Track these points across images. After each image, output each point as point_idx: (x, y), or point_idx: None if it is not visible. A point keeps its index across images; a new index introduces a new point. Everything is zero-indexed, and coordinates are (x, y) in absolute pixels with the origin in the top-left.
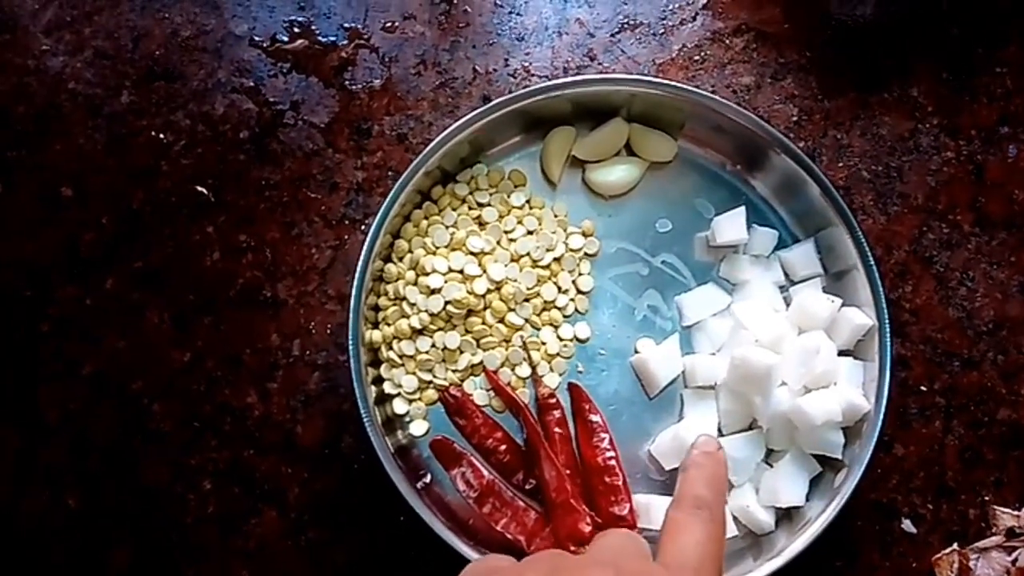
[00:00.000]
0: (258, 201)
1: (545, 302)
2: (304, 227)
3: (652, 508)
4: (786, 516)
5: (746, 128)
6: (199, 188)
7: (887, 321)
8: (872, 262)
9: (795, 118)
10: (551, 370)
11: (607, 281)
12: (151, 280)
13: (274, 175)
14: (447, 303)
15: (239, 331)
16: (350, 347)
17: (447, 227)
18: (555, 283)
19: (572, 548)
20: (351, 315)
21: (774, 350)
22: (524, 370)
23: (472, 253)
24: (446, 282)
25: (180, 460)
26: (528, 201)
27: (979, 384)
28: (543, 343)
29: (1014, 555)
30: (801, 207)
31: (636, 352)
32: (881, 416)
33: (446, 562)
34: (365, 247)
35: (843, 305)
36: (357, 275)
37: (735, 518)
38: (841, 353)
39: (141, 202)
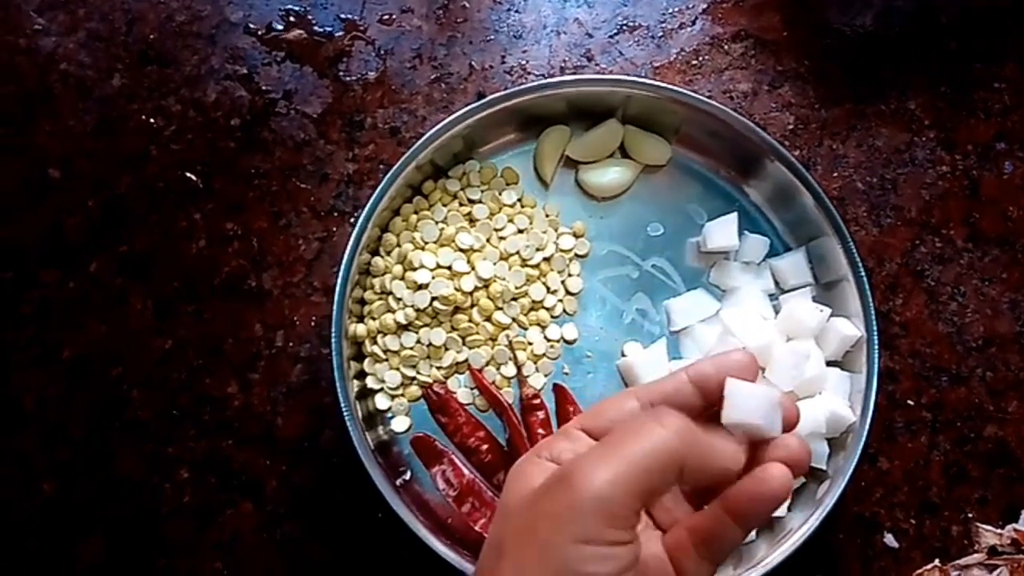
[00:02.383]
0: (247, 189)
1: (533, 302)
2: (292, 217)
3: None
4: (768, 526)
5: (741, 135)
6: (188, 174)
7: (876, 333)
8: (863, 274)
9: (791, 126)
10: (537, 370)
11: (596, 283)
12: (135, 266)
13: (264, 164)
14: (434, 299)
15: (222, 320)
16: (333, 340)
17: (437, 223)
18: (544, 283)
19: None
20: (335, 308)
21: (762, 357)
22: (509, 370)
23: (461, 250)
24: (433, 278)
25: (157, 449)
26: (520, 199)
27: (967, 400)
28: (529, 343)
29: (995, 573)
30: (794, 216)
31: (623, 355)
32: (866, 428)
33: (423, 560)
34: (352, 239)
35: (832, 315)
36: (343, 268)
37: None
38: (829, 364)
39: (128, 187)
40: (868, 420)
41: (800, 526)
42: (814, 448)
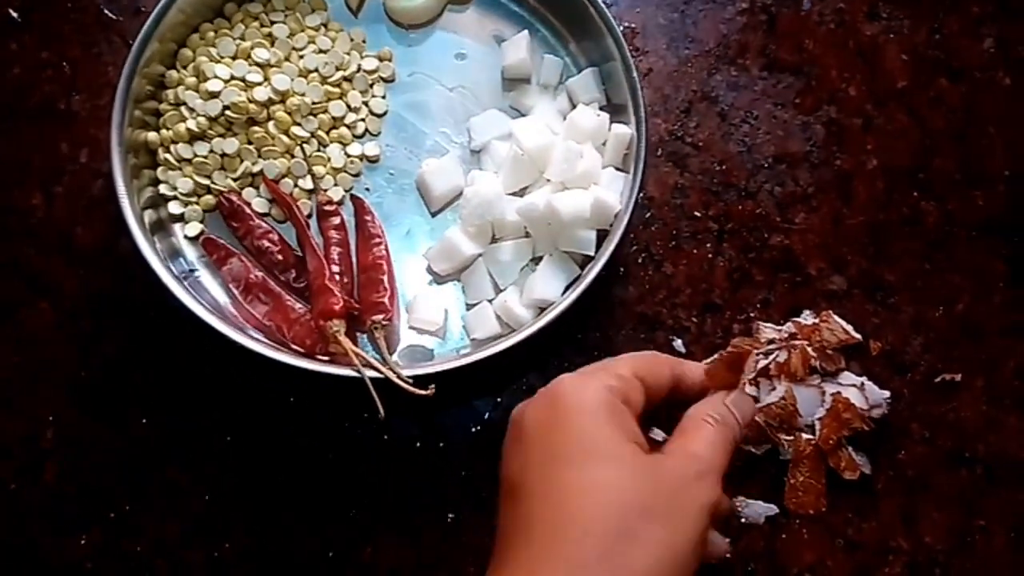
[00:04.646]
0: (63, 22)
1: (334, 119)
2: (104, 46)
3: (419, 300)
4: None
5: None
6: (9, 10)
7: (644, 128)
8: (635, 72)
9: None
10: (335, 184)
11: (401, 105)
12: None
13: None
14: (225, 108)
15: (32, 140)
16: (113, 138)
17: (234, 39)
18: (345, 102)
19: (322, 323)
20: (116, 104)
21: (543, 159)
22: (307, 183)
23: (257, 64)
24: (226, 87)
25: None
26: (325, 24)
27: (753, 212)
28: (328, 159)
29: (772, 357)
30: (588, 40)
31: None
32: (629, 211)
33: (214, 355)
34: (136, 44)
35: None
36: (126, 68)
37: (498, 316)
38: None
39: None
40: (631, 204)
41: (564, 300)
42: (582, 236)
